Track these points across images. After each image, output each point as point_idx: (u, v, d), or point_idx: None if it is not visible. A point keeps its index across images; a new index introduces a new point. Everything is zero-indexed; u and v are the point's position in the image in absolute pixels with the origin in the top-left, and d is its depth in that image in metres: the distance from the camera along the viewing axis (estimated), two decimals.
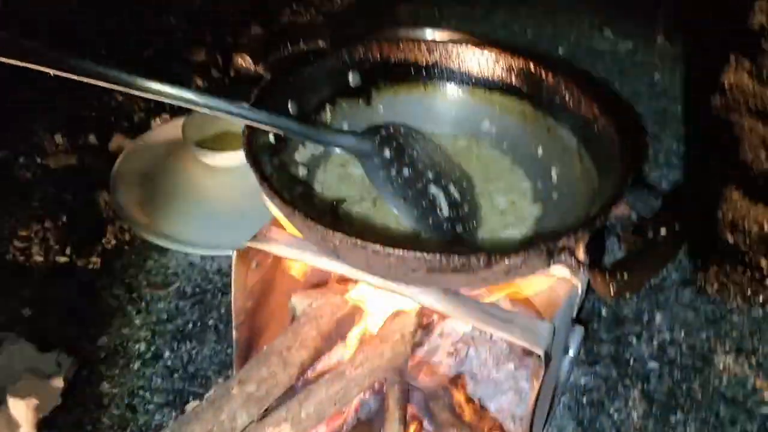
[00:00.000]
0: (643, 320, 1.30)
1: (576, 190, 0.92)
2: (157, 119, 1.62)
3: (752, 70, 1.93)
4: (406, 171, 0.95)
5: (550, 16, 2.07)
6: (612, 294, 0.69)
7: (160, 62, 1.82)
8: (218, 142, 1.49)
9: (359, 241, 0.72)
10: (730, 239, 1.50)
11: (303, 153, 0.96)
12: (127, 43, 1.86)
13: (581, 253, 0.77)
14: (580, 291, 0.89)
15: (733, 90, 1.87)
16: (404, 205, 0.92)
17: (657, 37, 1.99)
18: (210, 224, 1.39)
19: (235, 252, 0.87)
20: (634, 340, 1.27)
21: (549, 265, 0.75)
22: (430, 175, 0.96)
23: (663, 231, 0.75)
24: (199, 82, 1.77)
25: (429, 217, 0.92)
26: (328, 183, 0.96)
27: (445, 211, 0.93)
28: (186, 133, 1.46)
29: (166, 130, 1.58)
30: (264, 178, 0.78)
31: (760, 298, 1.35)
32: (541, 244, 0.73)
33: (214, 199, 1.44)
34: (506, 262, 0.73)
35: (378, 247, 0.71)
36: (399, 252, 0.71)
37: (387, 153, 0.95)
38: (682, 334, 1.28)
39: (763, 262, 1.43)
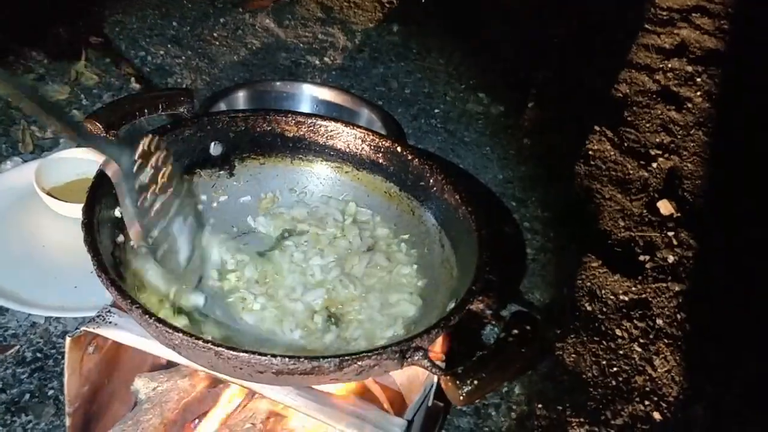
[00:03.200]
0: (503, 391, 1.31)
1: (437, 277, 0.91)
2: (8, 162, 1.50)
3: (614, 140, 2.05)
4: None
5: (430, 74, 2.11)
6: (460, 402, 0.68)
7: None
8: (73, 192, 1.39)
9: (200, 342, 0.67)
10: (588, 308, 1.56)
11: None
12: None
13: (436, 352, 0.76)
14: (436, 379, 0.88)
15: (595, 158, 1.98)
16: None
17: (528, 103, 2.06)
18: (57, 282, 1.28)
19: (68, 338, 0.80)
20: (494, 413, 1.27)
21: (402, 366, 0.73)
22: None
23: (515, 332, 0.74)
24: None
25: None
26: None
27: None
28: (38, 179, 1.35)
29: (17, 175, 1.46)
30: (101, 267, 0.71)
31: (614, 369, 1.40)
32: (394, 346, 0.71)
33: (63, 254, 1.33)
34: (358, 364, 0.70)
35: (221, 349, 0.67)
36: (244, 356, 0.67)
37: None
38: (540, 405, 1.30)
39: (618, 332, 1.49)
